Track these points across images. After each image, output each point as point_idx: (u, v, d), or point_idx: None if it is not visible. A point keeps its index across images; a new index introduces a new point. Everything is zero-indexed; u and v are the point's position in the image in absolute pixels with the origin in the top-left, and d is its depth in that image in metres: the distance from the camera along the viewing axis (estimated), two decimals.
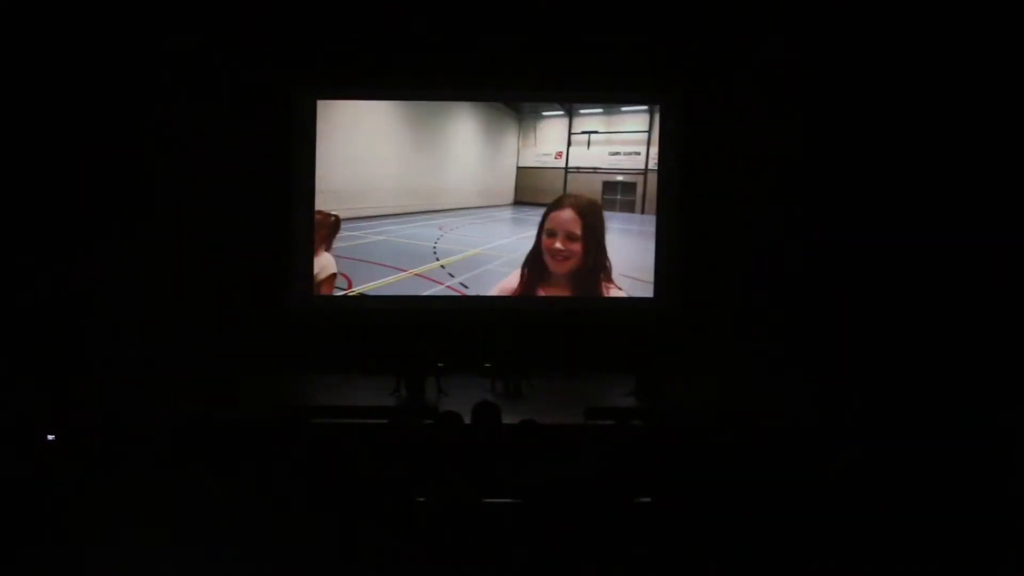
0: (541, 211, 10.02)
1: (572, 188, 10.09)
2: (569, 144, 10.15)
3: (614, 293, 9.93)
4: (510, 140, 10.14)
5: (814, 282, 9.75)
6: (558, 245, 9.58)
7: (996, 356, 8.80)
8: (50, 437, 4.97)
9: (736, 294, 9.79)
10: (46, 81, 9.14)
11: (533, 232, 10.04)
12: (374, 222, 9.82)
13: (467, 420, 5.41)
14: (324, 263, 9.64)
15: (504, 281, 9.87)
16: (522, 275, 9.83)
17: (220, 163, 9.48)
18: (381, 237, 9.84)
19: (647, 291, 10.01)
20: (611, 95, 10.07)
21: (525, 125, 10.16)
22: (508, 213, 10.14)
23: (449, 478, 3.91)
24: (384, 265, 9.79)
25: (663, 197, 10.04)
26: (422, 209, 9.91)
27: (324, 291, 9.74)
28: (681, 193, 9.96)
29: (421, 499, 3.61)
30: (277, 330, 9.61)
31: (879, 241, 9.62)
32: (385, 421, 5.71)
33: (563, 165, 10.15)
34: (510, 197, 10.16)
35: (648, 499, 3.87)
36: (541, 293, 9.83)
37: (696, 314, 9.78)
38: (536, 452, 4.77)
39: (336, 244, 9.74)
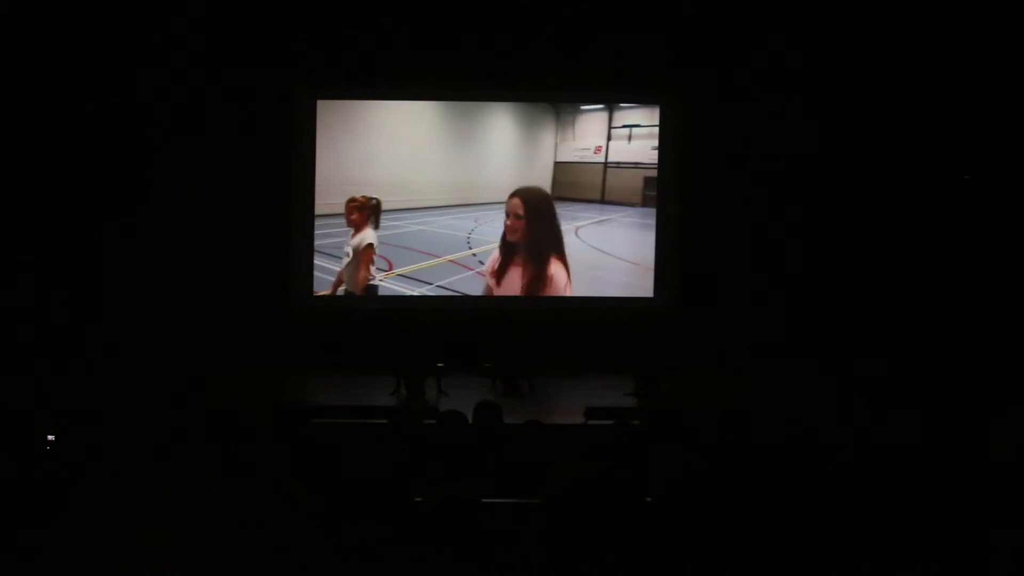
0: (579, 207, 10.21)
1: (612, 184, 10.16)
2: (609, 138, 10.15)
3: (555, 267, 10.01)
4: (547, 135, 10.13)
5: (815, 282, 9.75)
6: (509, 223, 10.05)
7: (996, 357, 8.81)
8: (50, 437, 4.97)
9: (736, 294, 9.79)
10: (46, 81, 9.14)
11: (567, 227, 10.16)
12: (415, 213, 10.00)
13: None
14: (363, 236, 9.87)
15: (492, 256, 10.09)
16: (499, 250, 10.11)
17: (220, 163, 9.50)
18: (420, 227, 10.00)
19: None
20: (611, 95, 10.06)
21: (563, 119, 10.15)
22: None
23: (450, 478, 3.91)
24: (422, 252, 9.99)
25: (663, 196, 10.03)
26: (459, 202, 10.07)
27: (364, 259, 9.85)
28: (682, 193, 9.96)
29: (420, 499, 3.61)
30: (277, 330, 9.61)
31: (880, 240, 9.63)
32: (385, 421, 5.70)
33: (602, 160, 10.12)
34: (547, 192, 10.16)
35: (648, 499, 3.87)
36: (512, 268, 10.04)
37: (696, 314, 9.78)
38: (540, 452, 4.77)
39: (380, 230, 9.91)
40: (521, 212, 10.02)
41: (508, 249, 10.09)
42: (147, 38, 9.26)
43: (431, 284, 10.03)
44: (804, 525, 3.68)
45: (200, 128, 9.45)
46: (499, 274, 10.07)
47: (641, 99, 10.07)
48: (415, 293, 10.04)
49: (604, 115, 10.16)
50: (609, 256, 10.18)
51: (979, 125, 9.32)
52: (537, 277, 10.06)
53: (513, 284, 10.06)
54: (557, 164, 10.16)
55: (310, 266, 9.85)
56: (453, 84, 9.81)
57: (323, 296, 9.91)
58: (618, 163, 10.15)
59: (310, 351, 9.52)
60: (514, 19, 9.48)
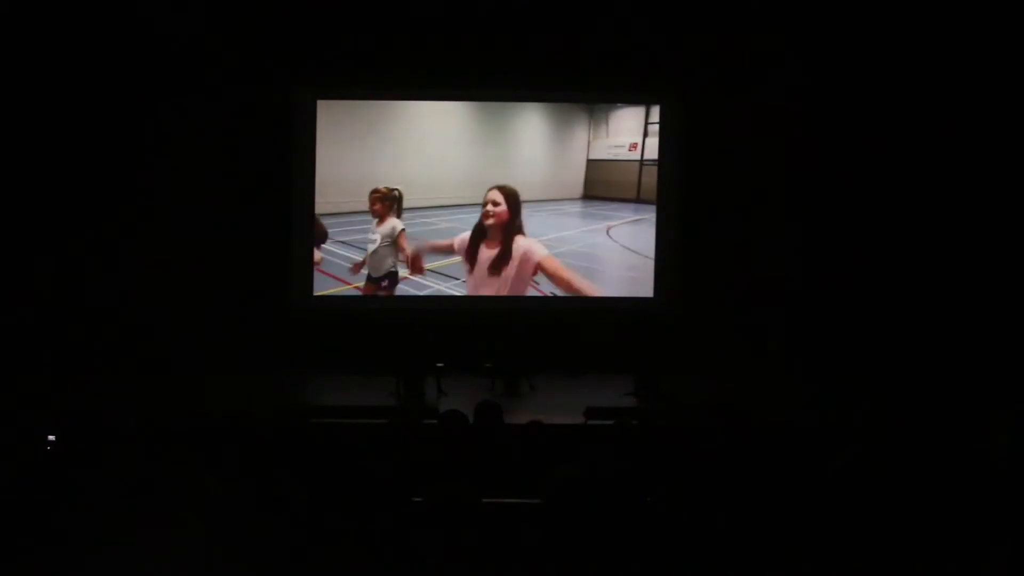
0: (612, 206, 10.15)
1: (648, 181, 10.05)
2: (645, 135, 10.05)
3: (520, 242, 10.02)
4: (580, 132, 10.08)
5: (815, 282, 9.75)
6: (488, 209, 10.00)
7: (996, 356, 8.81)
8: (50, 437, 4.97)
9: (736, 294, 9.79)
10: (46, 81, 9.15)
11: (599, 226, 10.12)
12: (445, 211, 10.03)
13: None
14: (393, 224, 9.93)
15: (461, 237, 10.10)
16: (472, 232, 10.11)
17: (220, 163, 9.51)
18: (450, 224, 10.03)
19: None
20: (610, 95, 10.04)
21: (596, 116, 10.08)
22: (576, 207, 10.15)
23: (450, 478, 3.91)
24: (452, 248, 10.03)
25: (663, 196, 10.01)
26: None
27: (402, 243, 9.93)
28: (681, 193, 9.95)
29: (420, 499, 3.61)
30: (277, 330, 9.61)
31: (880, 241, 9.63)
32: (385, 421, 5.70)
33: (638, 157, 10.04)
34: (579, 191, 10.12)
35: (648, 499, 3.87)
36: (483, 247, 10.06)
37: (696, 314, 9.78)
38: (543, 452, 4.78)
39: (411, 229, 9.94)
40: (500, 199, 10.01)
41: (481, 231, 10.07)
42: (147, 37, 9.26)
43: (458, 279, 10.07)
44: (804, 525, 3.68)
45: (200, 128, 9.45)
46: (470, 251, 10.09)
47: (641, 99, 10.05)
48: (444, 287, 10.06)
49: (640, 110, 10.05)
50: (641, 256, 10.10)
51: (979, 125, 9.32)
52: (504, 251, 10.05)
53: (482, 258, 10.06)
54: (590, 162, 10.09)
55: (310, 266, 9.85)
56: (452, 84, 9.80)
57: (323, 296, 9.91)
58: (655, 160, 10.05)
59: (310, 351, 9.52)
60: (513, 19, 9.48)
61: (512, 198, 10.06)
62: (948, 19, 9.21)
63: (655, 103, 10.01)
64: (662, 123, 9.99)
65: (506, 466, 4.59)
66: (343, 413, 7.28)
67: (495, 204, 10.06)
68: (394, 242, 9.97)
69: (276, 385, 8.86)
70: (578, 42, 9.59)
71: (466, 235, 10.08)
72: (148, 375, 8.80)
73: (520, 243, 10.09)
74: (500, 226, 10.08)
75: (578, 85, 9.83)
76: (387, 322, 9.47)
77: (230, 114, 9.47)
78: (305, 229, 9.81)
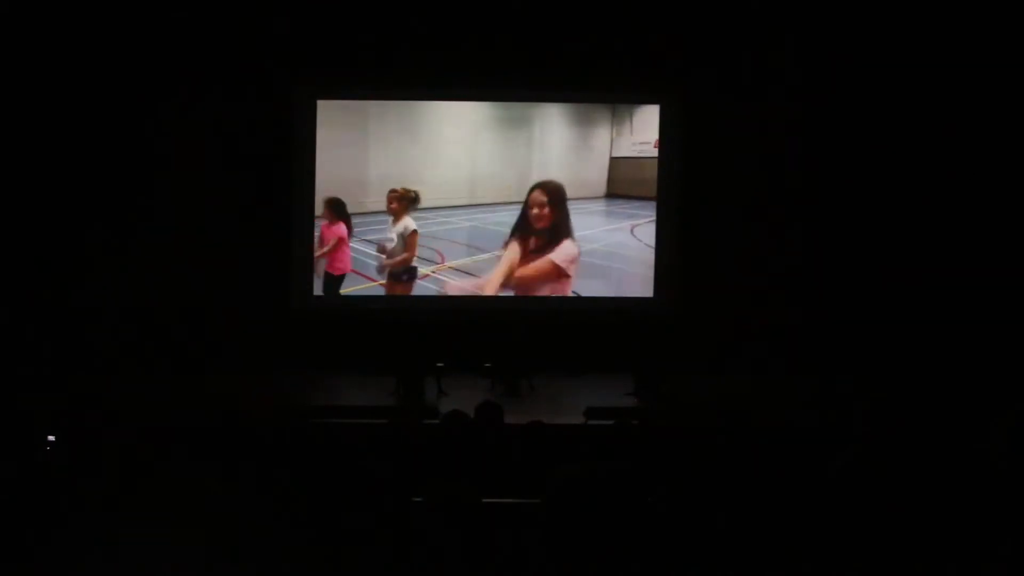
0: (636, 205, 10.09)
1: None
2: None
3: (566, 247, 10.01)
4: (602, 129, 10.02)
5: (815, 282, 9.76)
6: (535, 212, 9.96)
7: (995, 357, 8.81)
8: (50, 437, 4.97)
9: (737, 294, 9.79)
10: (46, 80, 9.15)
11: (623, 225, 10.09)
12: (467, 210, 10.02)
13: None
14: (406, 223, 9.92)
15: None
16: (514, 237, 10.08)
17: (220, 163, 9.50)
18: (472, 223, 10.02)
19: None
20: (610, 95, 10.04)
21: (620, 112, 10.02)
22: (599, 206, 10.11)
23: (450, 478, 3.91)
24: (472, 246, 10.05)
25: (663, 196, 10.01)
26: (511, 200, 10.01)
27: (411, 243, 9.93)
28: (682, 193, 9.95)
29: (419, 499, 3.61)
30: (277, 330, 9.61)
31: (880, 240, 9.64)
32: (385, 421, 5.71)
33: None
34: (602, 190, 10.07)
35: (648, 499, 3.87)
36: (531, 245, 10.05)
37: (696, 314, 9.78)
38: (543, 452, 4.78)
39: (431, 228, 9.96)
40: (544, 200, 9.98)
41: (529, 232, 10.07)
42: (147, 37, 9.26)
43: (479, 277, 10.05)
44: (805, 525, 3.68)
45: (200, 128, 9.45)
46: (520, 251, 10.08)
47: (641, 99, 10.04)
48: (466, 284, 10.05)
49: None
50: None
51: (980, 126, 9.32)
52: (551, 243, 10.05)
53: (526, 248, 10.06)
54: (613, 160, 10.02)
55: (310, 266, 9.85)
56: (451, 84, 9.79)
57: (322, 296, 9.92)
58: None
59: (310, 351, 9.51)
60: (512, 19, 9.47)
61: (555, 195, 9.97)
62: (949, 19, 9.21)
63: (655, 103, 9.99)
64: (662, 123, 9.97)
65: (506, 466, 4.60)
66: (343, 413, 7.28)
67: (541, 206, 9.99)
68: (407, 240, 9.97)
69: (276, 385, 8.86)
70: (577, 42, 9.58)
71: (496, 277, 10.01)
72: (148, 375, 8.80)
73: (565, 248, 10.01)
74: (548, 227, 10.01)
75: (578, 84, 9.81)
76: (387, 322, 9.47)
77: (230, 114, 9.47)
78: (305, 229, 9.80)
